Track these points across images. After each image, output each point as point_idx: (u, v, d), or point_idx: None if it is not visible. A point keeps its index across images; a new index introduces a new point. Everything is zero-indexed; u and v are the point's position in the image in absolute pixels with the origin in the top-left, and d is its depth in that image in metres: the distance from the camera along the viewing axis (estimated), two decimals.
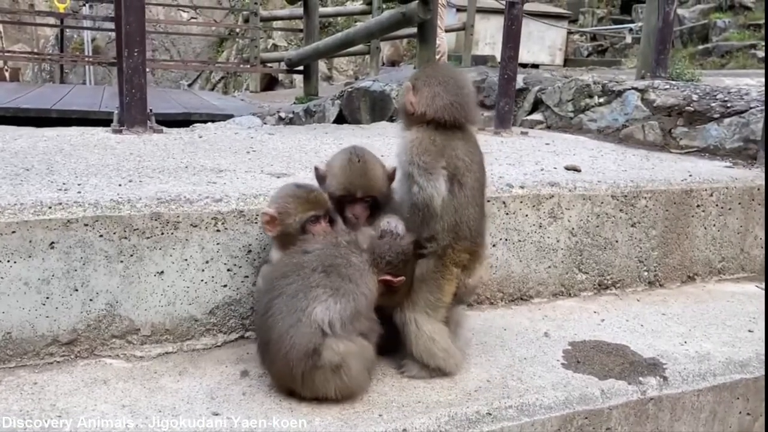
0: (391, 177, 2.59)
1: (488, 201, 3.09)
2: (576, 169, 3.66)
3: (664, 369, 2.69)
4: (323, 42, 9.36)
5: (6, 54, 14.77)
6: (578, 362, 2.71)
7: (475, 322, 2.98)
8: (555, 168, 3.70)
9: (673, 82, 5.17)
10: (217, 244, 2.62)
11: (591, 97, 5.42)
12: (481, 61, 13.69)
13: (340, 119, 7.74)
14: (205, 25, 22.87)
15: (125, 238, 2.48)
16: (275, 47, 22.28)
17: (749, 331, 3.11)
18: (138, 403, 2.24)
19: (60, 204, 2.42)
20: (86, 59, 18.00)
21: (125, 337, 2.55)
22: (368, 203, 2.52)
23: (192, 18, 25.11)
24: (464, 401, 2.32)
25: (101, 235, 2.45)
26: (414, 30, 9.56)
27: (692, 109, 4.87)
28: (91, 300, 2.47)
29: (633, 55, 15.05)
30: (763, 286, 3.69)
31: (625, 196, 3.42)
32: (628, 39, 17.01)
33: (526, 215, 3.20)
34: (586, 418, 2.45)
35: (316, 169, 2.63)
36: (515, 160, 3.93)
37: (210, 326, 2.67)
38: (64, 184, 2.71)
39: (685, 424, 2.67)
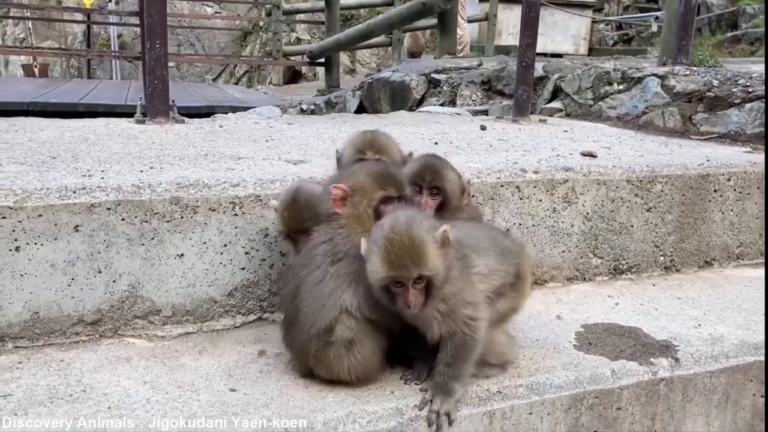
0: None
1: (501, 186, 3.14)
2: (592, 155, 3.67)
3: (677, 350, 2.70)
4: (344, 34, 9.43)
5: (35, 50, 15.06)
6: (590, 344, 2.74)
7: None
8: (571, 154, 3.71)
9: (694, 68, 5.14)
10: (235, 227, 2.70)
11: (610, 84, 5.41)
12: (504, 51, 13.61)
13: (360, 110, 7.80)
14: (228, 19, 23.05)
15: (146, 221, 2.57)
16: (299, 41, 22.39)
17: (766, 314, 3.10)
18: (159, 380, 2.33)
19: (84, 189, 2.51)
20: (112, 54, 18.27)
21: (147, 317, 2.64)
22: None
23: (216, 12, 25.33)
24: (475, 380, 2.36)
25: (123, 219, 2.54)
26: (435, 21, 9.60)
27: (713, 94, 4.84)
28: (114, 281, 2.57)
29: (659, 43, 14.86)
30: None
31: (641, 180, 3.43)
32: (654, 27, 16.79)
33: (540, 200, 3.23)
34: (597, 397, 2.48)
35: (337, 151, 2.74)
36: (532, 146, 3.95)
37: (229, 308, 2.75)
38: (88, 170, 2.80)
39: (698, 405, 2.69)
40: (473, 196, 3.08)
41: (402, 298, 2.07)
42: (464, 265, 2.27)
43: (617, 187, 3.38)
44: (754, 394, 2.80)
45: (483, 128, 4.62)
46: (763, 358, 2.79)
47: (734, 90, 4.74)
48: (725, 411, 2.76)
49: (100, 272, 2.54)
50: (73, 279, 2.51)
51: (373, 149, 2.61)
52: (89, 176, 2.70)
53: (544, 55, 12.75)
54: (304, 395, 2.26)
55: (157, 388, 2.27)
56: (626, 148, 4.04)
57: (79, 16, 19.90)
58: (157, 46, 4.14)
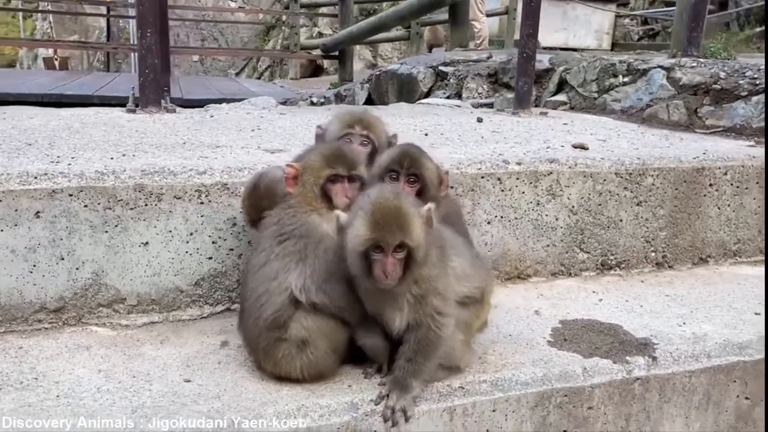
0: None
1: (482, 177, 3.05)
2: (583, 147, 3.56)
3: (655, 349, 2.60)
4: (356, 26, 9.38)
5: (56, 42, 15.24)
6: (565, 340, 2.65)
7: None
8: (562, 146, 3.61)
9: (702, 60, 4.97)
10: (201, 216, 2.65)
11: (615, 76, 5.27)
12: None
13: (369, 102, 7.73)
14: (252, 13, 23.10)
15: (109, 208, 2.53)
16: (320, 35, 22.35)
17: (756, 313, 2.97)
18: (114, 369, 2.30)
19: (46, 174, 2.49)
20: (127, 47, 18.37)
21: (112, 306, 2.61)
22: (366, 145, 2.54)
23: (240, 7, 25.42)
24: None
25: (86, 206, 2.51)
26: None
27: (719, 87, 4.68)
28: (77, 269, 2.54)
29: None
30: None
31: (630, 173, 3.31)
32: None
33: (523, 192, 3.14)
34: (566, 395, 2.39)
35: (319, 127, 2.67)
36: (524, 139, 3.85)
37: (196, 297, 2.72)
38: (58, 157, 2.78)
39: (676, 406, 2.58)
40: (452, 187, 3.01)
41: (380, 266, 2.01)
42: (443, 256, 2.21)
43: (605, 180, 3.28)
44: (737, 396, 2.69)
45: (479, 120, 4.52)
46: (747, 358, 2.67)
47: (741, 82, 4.59)
48: (706, 413, 2.64)
49: (63, 259, 2.52)
50: (34, 266, 2.49)
51: (362, 125, 2.56)
52: (57, 162, 2.67)
53: (565, 49, 12.54)
54: (259, 387, 2.21)
55: (110, 377, 2.24)
56: (623, 141, 3.92)
57: (103, 11, 20.16)
58: (149, 34, 4.12)
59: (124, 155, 2.89)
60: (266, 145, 3.33)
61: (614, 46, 17.77)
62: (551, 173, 3.17)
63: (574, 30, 17.45)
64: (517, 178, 3.12)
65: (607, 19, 17.99)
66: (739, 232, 3.61)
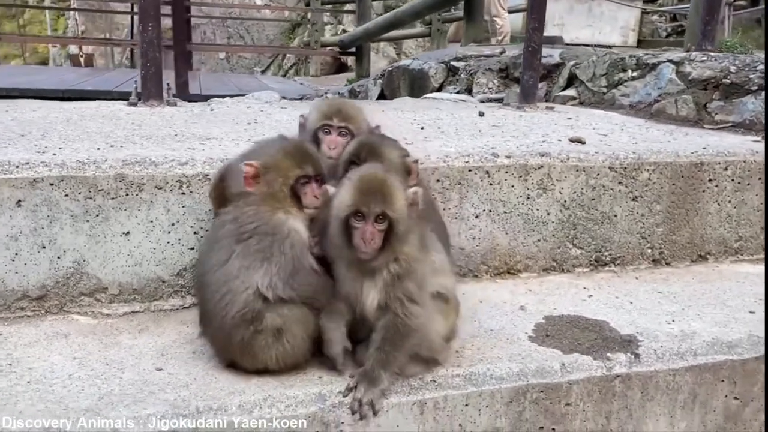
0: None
1: (470, 170, 3.02)
2: (580, 141, 3.50)
3: (639, 346, 2.55)
4: (373, 23, 9.37)
5: (80, 39, 15.48)
6: (547, 336, 2.61)
7: None
8: (559, 140, 3.55)
9: (712, 54, 4.85)
10: (183, 206, 2.66)
11: (625, 71, 5.17)
12: (548, 41, 13.23)
13: (381, 98, 7.71)
14: (278, 10, 23.22)
15: (90, 198, 2.56)
16: (345, 32, 22.37)
17: (750, 312, 2.90)
18: (89, 357, 2.32)
19: (27, 164, 2.52)
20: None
21: (93, 295, 2.64)
22: (345, 136, 2.53)
23: (266, 5, 25.57)
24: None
25: (66, 195, 2.53)
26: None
27: (729, 81, 4.57)
28: (58, 257, 2.57)
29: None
30: None
31: (625, 168, 3.25)
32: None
33: (512, 186, 3.10)
34: (542, 391, 2.35)
35: (302, 116, 2.69)
36: (522, 133, 3.79)
37: (178, 288, 2.73)
38: (46, 147, 2.81)
39: (660, 404, 2.52)
40: (438, 180, 2.98)
41: (359, 234, 2.06)
42: (424, 243, 2.21)
43: (598, 174, 3.22)
44: (726, 396, 2.62)
45: (481, 115, 4.48)
46: (736, 357, 2.60)
47: (752, 76, 4.47)
48: (692, 412, 2.58)
49: (44, 248, 2.54)
50: (16, 254, 2.52)
51: (340, 116, 2.55)
52: (42, 152, 2.70)
53: (589, 46, 12.35)
54: (229, 377, 2.21)
55: (84, 365, 2.26)
56: (624, 136, 3.84)
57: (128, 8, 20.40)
58: (150, 28, 4.16)
59: (112, 146, 2.91)
60: (258, 137, 3.32)
61: (640, 42, 17.46)
62: (542, 167, 3.12)
63: (599, 27, 17.21)
64: (506, 172, 3.07)
65: (633, 15, 17.70)
66: (740, 229, 3.52)
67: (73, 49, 19.34)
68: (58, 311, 2.61)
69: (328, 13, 20.39)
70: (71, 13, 26.72)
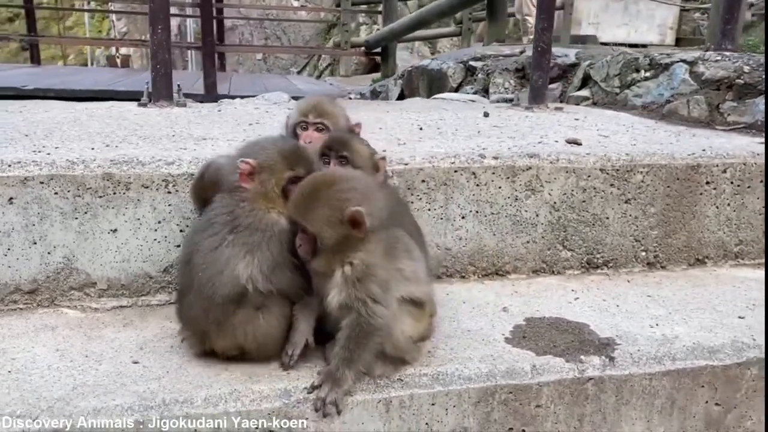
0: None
1: (456, 171, 3.04)
2: (576, 143, 3.48)
3: (614, 349, 2.53)
4: (398, 23, 9.39)
5: (117, 41, 15.89)
6: (523, 337, 2.61)
7: (438, 295, 2.92)
8: (556, 142, 3.53)
9: (726, 54, 4.76)
10: (169, 205, 2.74)
11: (638, 71, 5.10)
12: (581, 41, 13.07)
13: (401, 98, 7.73)
14: (314, 11, 23.43)
15: (79, 196, 2.65)
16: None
17: (739, 317, 2.85)
18: (71, 349, 2.41)
19: (19, 163, 2.63)
20: (181, 46, 18.94)
21: (83, 289, 2.73)
22: (321, 131, 2.63)
23: (302, 6, 25.82)
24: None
25: (56, 193, 2.63)
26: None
27: (743, 81, 4.48)
28: (49, 253, 2.67)
29: (755, 33, 13.84)
30: None
31: (617, 169, 3.22)
32: (747, 16, 15.68)
33: (500, 187, 3.10)
34: (511, 392, 2.36)
35: (288, 117, 2.80)
36: (521, 134, 3.79)
37: (164, 284, 2.81)
38: (44, 147, 2.92)
39: (636, 408, 2.51)
40: (424, 181, 3.01)
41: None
42: (391, 251, 2.24)
43: (589, 176, 3.19)
44: (707, 402, 2.58)
45: (486, 115, 4.48)
46: (717, 363, 2.56)
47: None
48: (671, 417, 2.55)
49: (35, 243, 2.65)
50: (9, 249, 2.63)
51: (315, 112, 2.66)
52: (38, 152, 2.81)
53: (625, 45, 12.15)
54: (200, 371, 2.27)
55: (65, 356, 2.35)
56: (626, 138, 3.80)
57: (173, 11, 20.80)
58: (159, 30, 4.28)
59: (107, 146, 3.01)
60: (256, 137, 3.39)
61: (679, 41, 17.09)
62: (530, 168, 3.12)
63: (635, 25, 16.85)
64: (493, 173, 3.08)
65: (671, 13, 17.27)
66: (740, 232, 3.45)
67: (113, 50, 19.92)
68: (49, 305, 2.71)
69: (363, 14, 20.50)
70: (113, 15, 27.42)
